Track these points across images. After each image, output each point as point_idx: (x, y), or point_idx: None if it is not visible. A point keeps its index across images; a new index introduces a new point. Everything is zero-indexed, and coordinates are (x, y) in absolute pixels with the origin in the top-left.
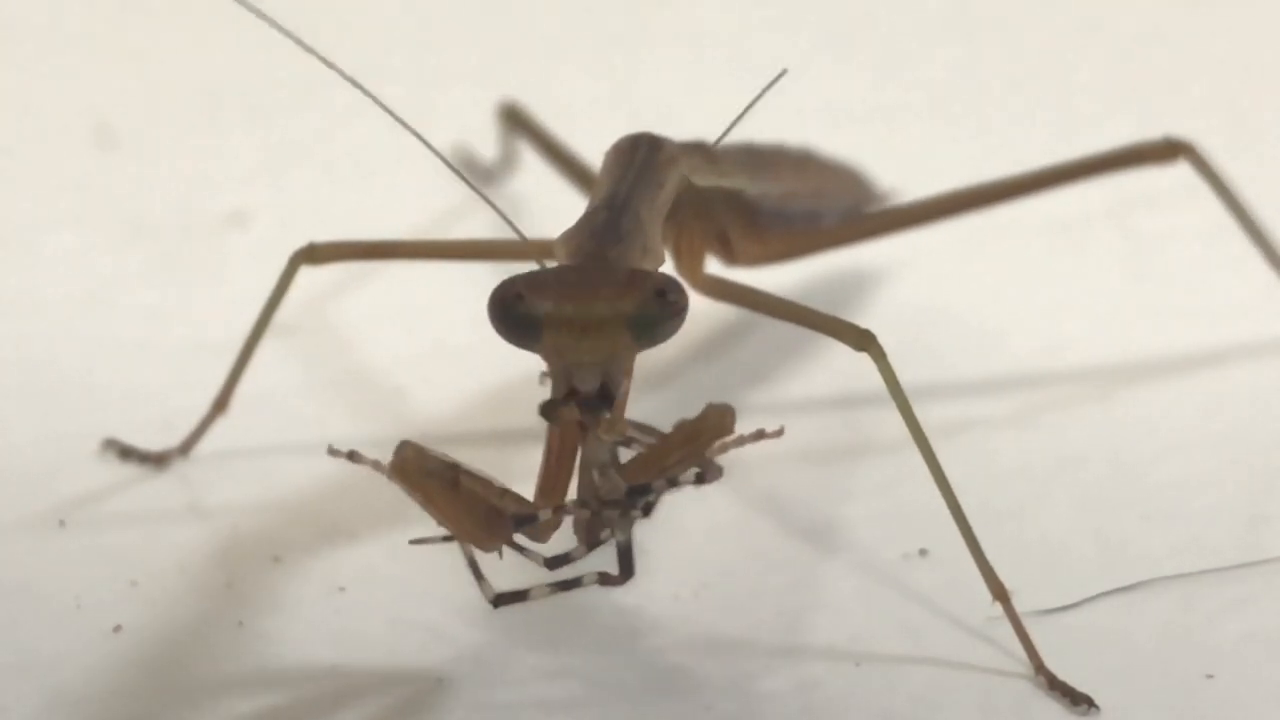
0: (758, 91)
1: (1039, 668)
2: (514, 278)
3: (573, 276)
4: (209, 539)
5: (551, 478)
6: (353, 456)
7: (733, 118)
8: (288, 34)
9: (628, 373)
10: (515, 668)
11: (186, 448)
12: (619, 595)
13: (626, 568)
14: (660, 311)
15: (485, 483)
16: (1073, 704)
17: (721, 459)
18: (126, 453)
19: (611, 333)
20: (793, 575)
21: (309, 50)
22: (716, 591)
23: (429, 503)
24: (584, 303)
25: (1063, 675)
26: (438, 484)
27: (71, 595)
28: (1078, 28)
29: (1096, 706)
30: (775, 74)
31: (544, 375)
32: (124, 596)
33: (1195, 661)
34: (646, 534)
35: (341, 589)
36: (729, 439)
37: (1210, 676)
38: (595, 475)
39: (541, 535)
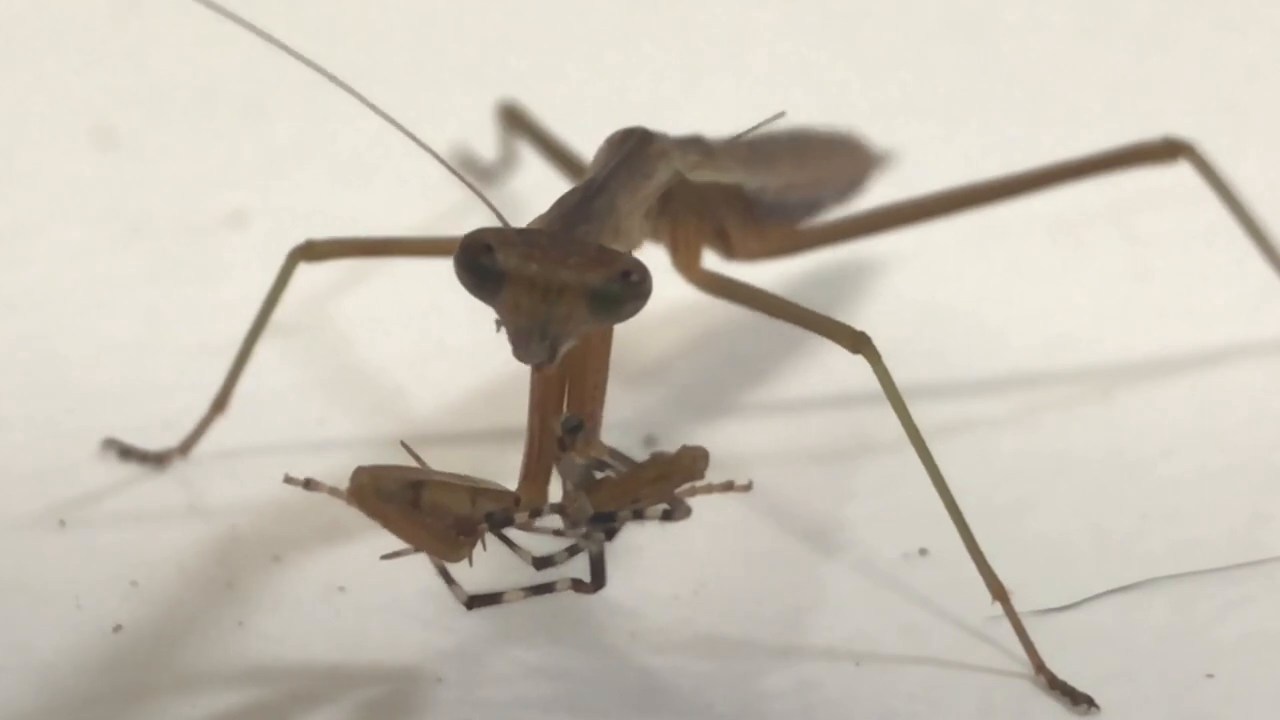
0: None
1: (1039, 667)
2: (483, 229)
3: (542, 240)
4: (209, 539)
5: (534, 463)
6: (309, 485)
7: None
8: (277, 43)
9: (601, 383)
10: (515, 668)
11: (186, 448)
12: (619, 595)
13: (598, 577)
14: (622, 291)
15: (454, 489)
16: (1073, 704)
17: (712, 459)
18: (126, 453)
19: (571, 302)
20: (793, 575)
21: (299, 57)
22: (716, 591)
23: (390, 525)
24: (549, 266)
25: (1063, 675)
26: (397, 506)
27: (71, 595)
28: (1078, 28)
29: (1096, 706)
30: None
31: (499, 324)
32: (124, 596)
33: (1195, 661)
34: (646, 534)
35: (341, 589)
36: (698, 484)
37: (1210, 676)
38: (568, 486)
39: (526, 524)
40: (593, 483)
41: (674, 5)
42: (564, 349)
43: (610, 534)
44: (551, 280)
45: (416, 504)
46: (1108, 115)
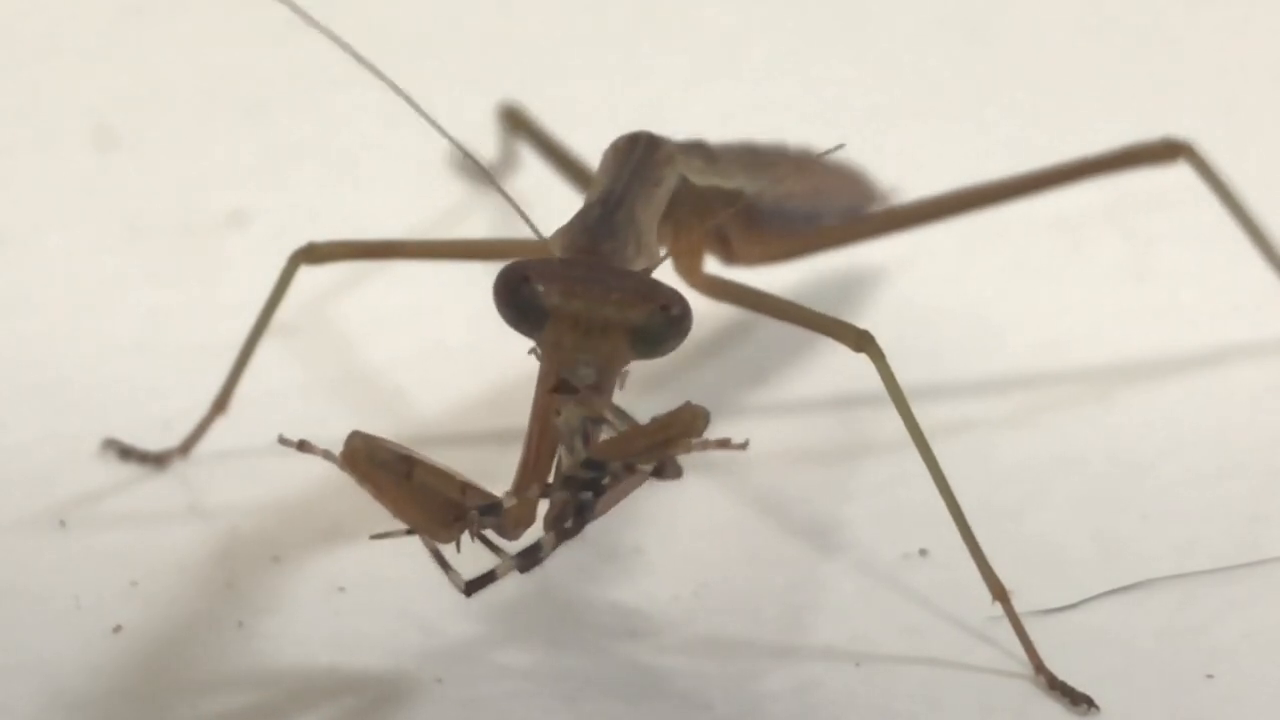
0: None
1: (1039, 668)
2: (522, 262)
3: (582, 272)
4: (209, 539)
5: (530, 467)
6: (303, 446)
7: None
8: (323, 29)
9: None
10: (515, 668)
11: (186, 448)
12: (619, 595)
13: (580, 521)
14: (664, 328)
15: (444, 476)
16: (1073, 704)
17: (713, 460)
18: (126, 453)
19: (614, 338)
20: (793, 575)
21: (338, 41)
22: (716, 591)
23: (380, 494)
24: (593, 302)
25: (1063, 675)
26: (389, 475)
27: (71, 595)
28: (1077, 27)
29: (1096, 706)
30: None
31: (534, 351)
32: (124, 596)
33: (1195, 661)
34: (647, 534)
35: (341, 589)
36: (695, 440)
37: (1210, 676)
38: (563, 451)
39: (511, 532)
40: (592, 437)
41: (674, 6)
42: (606, 384)
43: (597, 490)
44: (595, 318)
45: (408, 480)
46: (1108, 115)
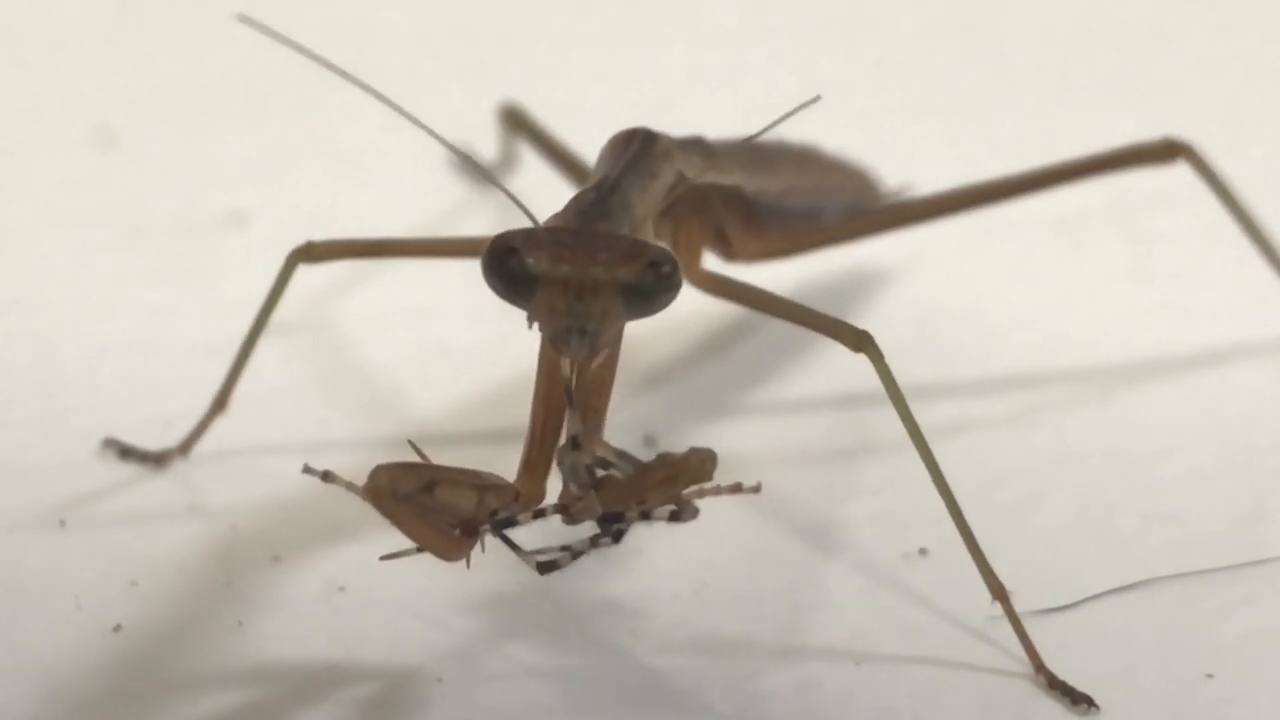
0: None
1: (1039, 667)
2: (510, 232)
3: (569, 238)
4: (209, 539)
5: (534, 454)
6: (327, 477)
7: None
8: (292, 44)
9: (608, 379)
10: (515, 668)
11: (186, 448)
12: (619, 595)
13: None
14: (655, 283)
15: (462, 487)
16: (1073, 704)
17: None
18: (126, 452)
19: (605, 298)
20: (793, 575)
21: (312, 56)
22: (716, 591)
23: (398, 524)
24: (580, 265)
25: (1063, 675)
26: (408, 507)
27: (71, 595)
28: (1077, 27)
29: (1096, 706)
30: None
31: (531, 323)
32: (124, 596)
33: (1195, 661)
34: (647, 534)
35: (341, 589)
36: (706, 486)
37: (1210, 676)
38: (573, 487)
39: (523, 514)
40: (600, 482)
41: (674, 5)
42: (604, 344)
43: (618, 536)
44: (584, 279)
45: (427, 503)
46: (1108, 115)
